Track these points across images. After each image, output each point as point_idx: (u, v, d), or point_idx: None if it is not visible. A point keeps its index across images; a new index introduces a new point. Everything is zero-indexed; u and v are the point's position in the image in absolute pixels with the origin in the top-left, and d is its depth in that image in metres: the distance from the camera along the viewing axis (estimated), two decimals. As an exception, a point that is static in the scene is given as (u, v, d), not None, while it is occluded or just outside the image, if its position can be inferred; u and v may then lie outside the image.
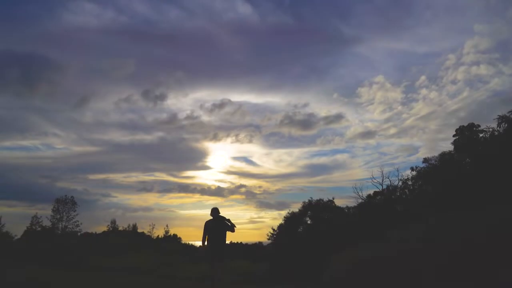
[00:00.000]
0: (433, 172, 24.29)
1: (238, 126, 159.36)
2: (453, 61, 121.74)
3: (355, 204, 31.72)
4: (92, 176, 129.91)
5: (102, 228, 63.01)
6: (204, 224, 8.96)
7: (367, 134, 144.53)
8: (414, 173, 27.82)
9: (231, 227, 9.01)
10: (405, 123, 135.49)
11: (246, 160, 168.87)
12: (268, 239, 41.53)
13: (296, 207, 45.40)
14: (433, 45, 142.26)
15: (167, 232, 63.39)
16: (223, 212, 9.25)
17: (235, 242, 62.85)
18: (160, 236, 62.05)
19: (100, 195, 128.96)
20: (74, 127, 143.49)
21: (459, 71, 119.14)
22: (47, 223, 42.82)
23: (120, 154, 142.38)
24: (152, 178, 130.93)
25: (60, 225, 42.71)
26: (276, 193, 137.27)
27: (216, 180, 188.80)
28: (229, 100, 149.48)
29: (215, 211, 9.01)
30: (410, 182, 28.37)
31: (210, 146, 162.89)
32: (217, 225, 8.86)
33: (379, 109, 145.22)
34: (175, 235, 64.29)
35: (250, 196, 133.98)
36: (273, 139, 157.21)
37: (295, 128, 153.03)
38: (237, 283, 23.26)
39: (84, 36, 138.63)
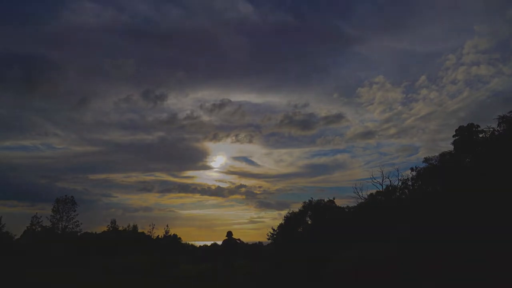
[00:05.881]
0: (432, 172, 24.30)
1: (238, 126, 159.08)
2: (453, 61, 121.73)
3: (355, 204, 31.78)
4: (92, 176, 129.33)
5: (102, 228, 62.83)
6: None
7: (367, 134, 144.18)
8: (414, 173, 27.86)
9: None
10: (405, 123, 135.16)
11: (246, 160, 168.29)
12: (268, 239, 41.61)
13: (296, 207, 45.56)
14: (433, 45, 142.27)
15: (167, 232, 63.27)
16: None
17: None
18: (160, 236, 62.04)
19: (100, 195, 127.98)
20: (74, 127, 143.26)
21: (459, 71, 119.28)
22: (47, 223, 42.81)
23: (120, 154, 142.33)
24: (152, 178, 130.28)
25: (60, 225, 42.72)
26: (276, 193, 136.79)
27: (216, 180, 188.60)
28: (229, 100, 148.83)
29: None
30: (410, 182, 28.39)
31: (210, 146, 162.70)
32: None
33: (379, 109, 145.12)
34: (175, 235, 64.29)
35: (250, 196, 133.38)
36: (273, 139, 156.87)
37: (295, 128, 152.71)
38: (237, 283, 23.23)
39: (85, 35, 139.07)
